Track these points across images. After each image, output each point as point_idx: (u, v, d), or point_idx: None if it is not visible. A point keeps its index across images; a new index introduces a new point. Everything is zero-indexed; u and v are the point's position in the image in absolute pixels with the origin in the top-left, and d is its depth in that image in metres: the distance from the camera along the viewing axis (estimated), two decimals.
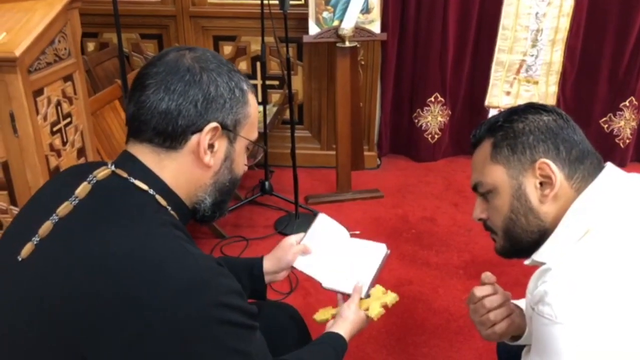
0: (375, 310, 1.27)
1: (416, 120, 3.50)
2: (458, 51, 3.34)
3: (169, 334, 0.75)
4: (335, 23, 2.86)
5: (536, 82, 3.38)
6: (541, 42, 3.29)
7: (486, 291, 1.12)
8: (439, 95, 3.43)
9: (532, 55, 3.33)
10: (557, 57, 3.32)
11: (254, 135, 0.97)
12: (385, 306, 1.29)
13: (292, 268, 1.35)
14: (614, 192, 0.94)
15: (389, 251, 1.39)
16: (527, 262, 1.02)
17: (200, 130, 0.87)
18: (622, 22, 3.20)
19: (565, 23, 3.23)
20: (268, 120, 2.87)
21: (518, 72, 3.37)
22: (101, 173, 0.88)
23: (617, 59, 3.28)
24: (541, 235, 0.98)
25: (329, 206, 3.01)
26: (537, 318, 0.89)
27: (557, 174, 0.94)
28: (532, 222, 0.98)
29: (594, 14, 3.21)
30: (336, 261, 1.36)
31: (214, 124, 0.87)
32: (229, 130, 0.90)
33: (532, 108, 1.01)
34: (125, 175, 0.87)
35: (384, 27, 3.08)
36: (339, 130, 3.02)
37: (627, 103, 3.39)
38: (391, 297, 1.31)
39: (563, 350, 0.85)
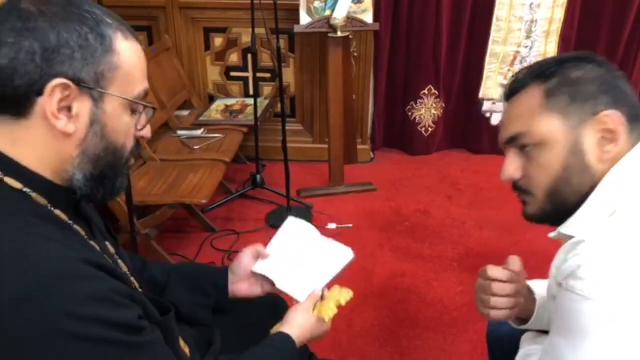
0: (327, 311, 1.14)
1: (410, 113, 3.46)
2: (451, 43, 3.30)
3: (6, 350, 0.64)
4: (327, 13, 2.81)
5: None
6: (535, 33, 3.25)
7: (499, 274, 1.03)
8: (432, 88, 3.39)
9: (526, 47, 3.29)
10: (551, 48, 3.28)
11: (133, 92, 0.77)
12: (339, 305, 1.16)
13: (252, 273, 1.23)
14: None
15: (354, 256, 1.27)
16: (552, 234, 0.92)
17: (44, 89, 0.70)
18: (616, 12, 3.17)
19: (559, 13, 3.20)
20: (259, 113, 2.83)
21: (512, 63, 3.33)
22: None
23: (611, 50, 3.24)
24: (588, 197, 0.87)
25: (321, 199, 2.97)
26: (565, 294, 0.80)
27: (623, 127, 0.84)
28: (585, 182, 0.86)
29: (588, 4, 3.18)
30: (296, 265, 1.26)
31: (58, 80, 0.70)
32: (89, 88, 0.72)
33: (584, 57, 0.89)
34: None
35: (376, 18, 3.04)
36: (331, 123, 2.98)
37: None
38: (344, 294, 1.18)
39: (591, 329, 0.77)
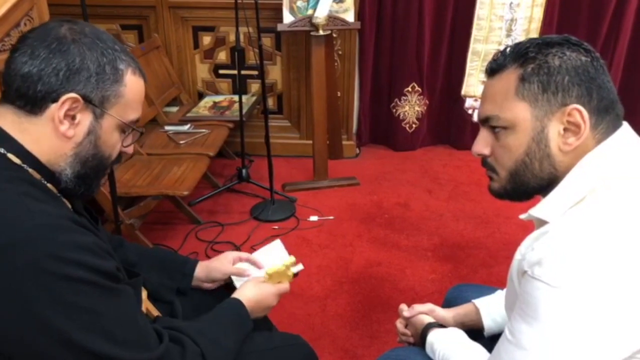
0: (284, 278, 1.29)
1: (394, 110, 3.54)
2: (434, 41, 3.39)
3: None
4: (309, 12, 2.90)
5: None
6: (516, 32, 3.34)
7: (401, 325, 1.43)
8: (416, 85, 3.47)
9: (507, 45, 3.37)
10: None
11: (129, 117, 0.95)
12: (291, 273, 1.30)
13: (230, 280, 1.36)
14: (631, 150, 0.89)
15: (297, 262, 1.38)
16: (523, 216, 0.97)
17: (59, 99, 0.87)
18: (594, 11, 3.25)
19: (538, 13, 3.29)
20: (245, 110, 2.92)
21: None
22: None
23: None
24: (549, 183, 0.92)
25: (305, 193, 3.06)
26: (530, 282, 0.83)
27: (587, 123, 0.87)
28: (545, 169, 0.91)
29: (567, 4, 3.27)
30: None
31: (71, 95, 0.86)
32: (94, 105, 0.89)
33: (570, 43, 0.89)
34: None
35: (360, 17, 3.13)
36: (315, 119, 3.07)
37: None
38: (288, 263, 1.30)
39: (555, 317, 0.81)
